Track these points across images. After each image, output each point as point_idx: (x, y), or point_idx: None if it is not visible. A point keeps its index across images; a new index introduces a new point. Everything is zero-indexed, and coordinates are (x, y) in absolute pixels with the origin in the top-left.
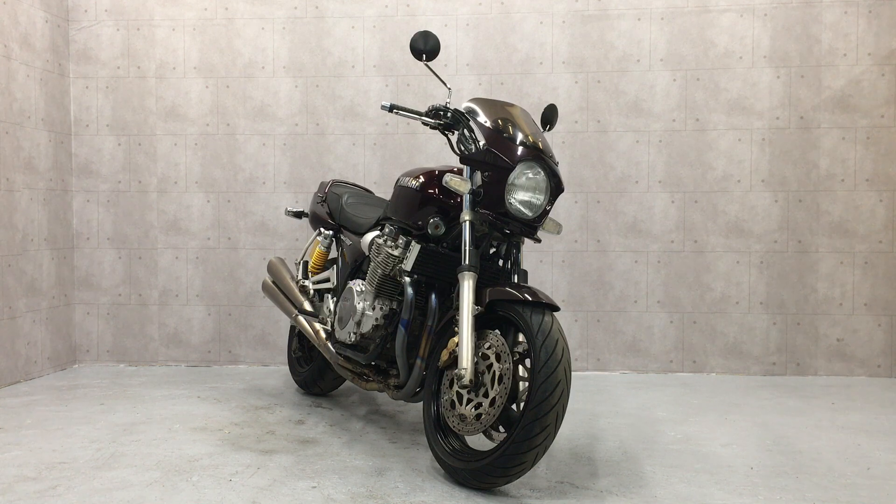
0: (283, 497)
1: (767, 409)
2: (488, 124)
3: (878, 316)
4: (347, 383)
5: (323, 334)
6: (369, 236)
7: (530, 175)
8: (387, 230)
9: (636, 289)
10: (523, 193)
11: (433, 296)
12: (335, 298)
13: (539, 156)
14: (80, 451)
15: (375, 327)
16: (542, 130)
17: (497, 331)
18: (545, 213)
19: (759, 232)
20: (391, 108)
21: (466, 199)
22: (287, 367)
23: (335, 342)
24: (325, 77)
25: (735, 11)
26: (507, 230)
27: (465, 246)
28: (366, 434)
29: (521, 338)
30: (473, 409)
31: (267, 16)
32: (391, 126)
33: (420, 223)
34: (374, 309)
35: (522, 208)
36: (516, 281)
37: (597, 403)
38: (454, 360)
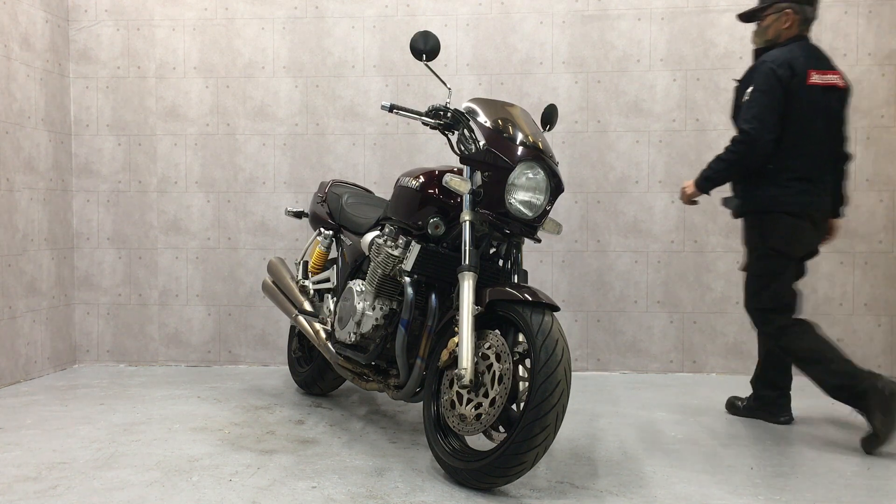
0: (283, 497)
1: None
2: (488, 124)
3: (878, 316)
4: (347, 383)
5: (323, 334)
6: (369, 236)
7: (530, 175)
8: (387, 230)
9: (636, 289)
10: (523, 193)
11: (433, 296)
12: (335, 298)
13: (539, 156)
14: (80, 451)
15: (375, 327)
16: (542, 130)
17: (497, 331)
18: (545, 213)
19: None
20: (391, 108)
21: (466, 199)
22: (287, 367)
23: (335, 342)
24: (325, 77)
25: (735, 11)
26: (507, 230)
27: (465, 246)
28: (366, 434)
29: (521, 338)
30: (473, 409)
31: (267, 16)
32: (391, 126)
33: (420, 223)
34: (374, 309)
35: (522, 208)
36: (516, 281)
37: (597, 403)
38: (454, 360)
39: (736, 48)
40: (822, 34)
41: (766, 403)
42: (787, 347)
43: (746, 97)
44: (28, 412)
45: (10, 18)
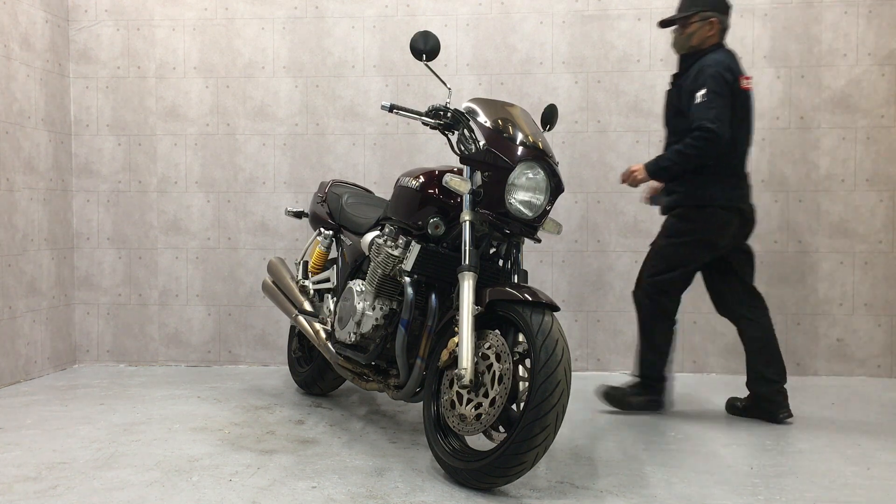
0: (283, 497)
1: None
2: (488, 124)
3: (878, 316)
4: (347, 383)
5: (323, 334)
6: (369, 236)
7: (530, 175)
8: (387, 230)
9: None
10: (523, 193)
11: (433, 296)
12: (335, 298)
13: (539, 156)
14: (80, 451)
15: (375, 327)
16: (542, 130)
17: (497, 331)
18: (545, 213)
19: (760, 232)
20: (391, 108)
21: (466, 199)
22: (287, 367)
23: (335, 342)
24: (325, 77)
25: (735, 11)
26: (507, 230)
27: (465, 246)
28: (366, 434)
29: (521, 338)
30: (473, 409)
31: (267, 16)
32: (391, 126)
33: (420, 223)
34: (374, 309)
35: (522, 208)
36: (516, 281)
37: (597, 403)
38: (454, 360)
39: (736, 48)
40: (822, 34)
41: (763, 401)
42: (648, 326)
43: (701, 99)
44: (28, 412)
45: (10, 18)
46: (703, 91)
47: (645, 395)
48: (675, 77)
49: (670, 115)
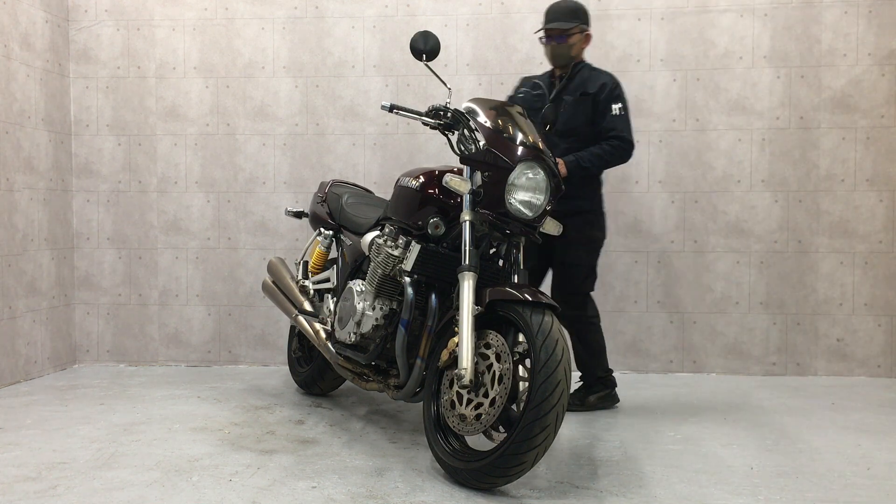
0: (283, 497)
1: (767, 409)
2: (488, 124)
3: (878, 316)
4: (347, 383)
5: (323, 334)
6: (369, 236)
7: (530, 175)
8: (387, 230)
9: (636, 289)
10: (523, 193)
11: (433, 296)
12: (335, 298)
13: (539, 156)
14: (80, 451)
15: (375, 327)
16: (542, 131)
17: (497, 331)
18: (545, 213)
19: (759, 232)
20: (391, 108)
21: (466, 199)
22: (287, 367)
23: (335, 342)
24: (325, 77)
25: (735, 11)
26: (507, 230)
27: (465, 246)
28: (366, 434)
29: (521, 338)
30: (473, 409)
31: (267, 16)
32: (391, 126)
33: (420, 223)
34: (374, 309)
35: (522, 208)
36: (516, 281)
37: None
38: (454, 360)
39: (736, 48)
40: (822, 34)
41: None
42: (582, 332)
43: (619, 112)
44: (28, 412)
45: (10, 18)
46: (619, 105)
47: (600, 392)
48: (560, 89)
49: (577, 124)
